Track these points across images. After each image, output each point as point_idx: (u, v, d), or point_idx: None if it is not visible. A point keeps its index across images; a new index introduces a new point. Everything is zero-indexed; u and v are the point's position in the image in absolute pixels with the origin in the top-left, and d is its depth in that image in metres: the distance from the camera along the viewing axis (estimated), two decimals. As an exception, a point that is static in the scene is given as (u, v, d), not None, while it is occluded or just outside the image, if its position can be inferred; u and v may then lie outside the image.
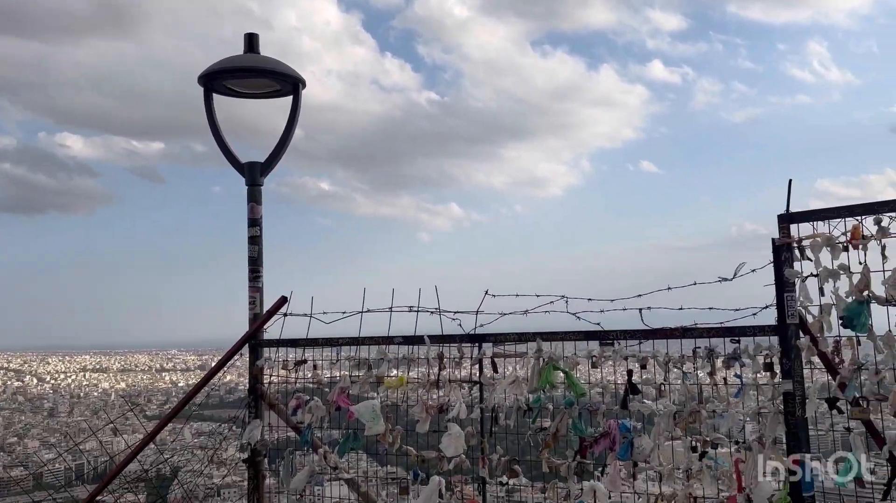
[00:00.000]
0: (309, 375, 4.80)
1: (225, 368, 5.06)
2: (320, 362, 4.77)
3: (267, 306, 5.03)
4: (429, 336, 4.39)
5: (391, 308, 4.57)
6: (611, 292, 4.08)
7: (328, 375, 4.77)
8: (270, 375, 4.91)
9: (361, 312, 4.65)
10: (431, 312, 4.48)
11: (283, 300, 4.93)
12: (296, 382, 4.84)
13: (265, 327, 5.01)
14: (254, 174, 5.13)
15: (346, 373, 4.63)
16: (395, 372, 4.53)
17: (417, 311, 4.51)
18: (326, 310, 4.76)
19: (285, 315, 4.93)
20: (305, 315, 4.80)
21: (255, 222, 5.11)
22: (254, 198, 5.13)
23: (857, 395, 3.27)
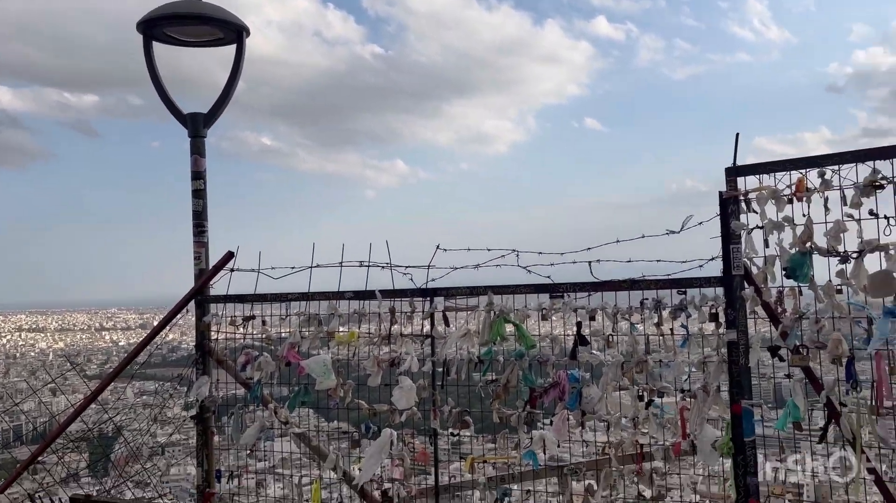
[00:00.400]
0: (257, 332, 4.75)
1: (170, 326, 4.95)
2: (269, 318, 4.71)
3: (213, 262, 4.93)
4: (380, 290, 4.36)
5: (341, 263, 4.53)
6: (559, 247, 4.11)
7: (277, 331, 4.71)
8: (218, 332, 4.83)
9: (311, 268, 4.59)
10: (382, 267, 4.45)
11: (229, 255, 4.83)
12: (244, 339, 4.78)
13: (211, 283, 4.92)
14: (197, 125, 4.97)
15: (296, 328, 4.58)
16: (345, 327, 4.51)
17: (368, 266, 4.47)
18: (274, 266, 4.69)
19: (232, 270, 4.84)
20: (253, 270, 4.72)
21: (198, 175, 4.97)
22: (197, 150, 4.98)
23: (798, 344, 3.38)
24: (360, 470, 4.34)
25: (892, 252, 3.05)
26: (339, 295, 4.51)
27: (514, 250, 4.16)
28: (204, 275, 4.89)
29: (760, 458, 3.58)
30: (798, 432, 3.43)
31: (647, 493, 3.87)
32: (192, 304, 4.91)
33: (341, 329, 4.49)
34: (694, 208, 3.78)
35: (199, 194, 4.96)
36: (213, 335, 4.85)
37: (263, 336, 4.69)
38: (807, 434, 3.48)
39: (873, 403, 3.17)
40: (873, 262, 3.10)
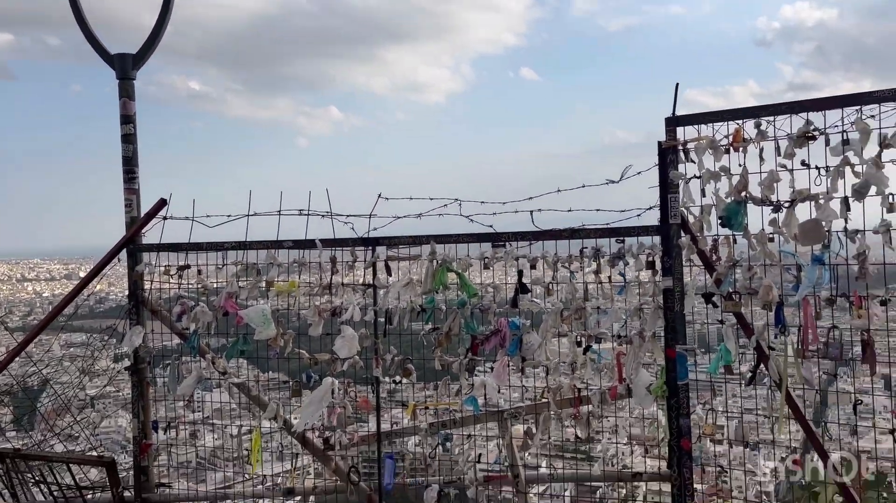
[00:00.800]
0: (193, 282, 4.64)
1: (100, 276, 4.80)
2: (205, 267, 4.60)
3: (144, 211, 4.77)
4: (321, 240, 4.31)
5: (280, 211, 4.44)
6: (500, 197, 4.12)
7: (214, 281, 4.62)
8: (151, 281, 4.70)
9: (248, 216, 4.49)
10: (322, 216, 4.39)
11: (162, 202, 4.68)
12: (179, 288, 4.66)
13: (143, 232, 4.76)
14: (125, 67, 4.74)
15: (233, 278, 4.50)
16: (285, 277, 4.45)
17: (308, 215, 4.40)
18: (210, 214, 4.57)
19: (165, 218, 4.69)
20: (187, 218, 4.58)
21: (128, 119, 4.77)
22: (126, 93, 4.76)
23: (731, 290, 3.50)
24: (296, 419, 4.34)
25: (821, 201, 3.16)
26: (277, 244, 4.44)
27: (456, 199, 4.17)
28: (136, 224, 4.73)
29: (693, 400, 3.73)
30: (729, 375, 3.58)
31: (583, 435, 3.99)
32: (123, 254, 4.75)
33: (280, 279, 4.43)
34: (627, 159, 3.88)
35: (128, 139, 4.77)
36: (147, 285, 4.71)
37: (200, 286, 4.59)
38: (737, 377, 3.63)
39: (799, 346, 3.31)
40: (804, 212, 3.22)
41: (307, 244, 4.36)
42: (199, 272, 4.60)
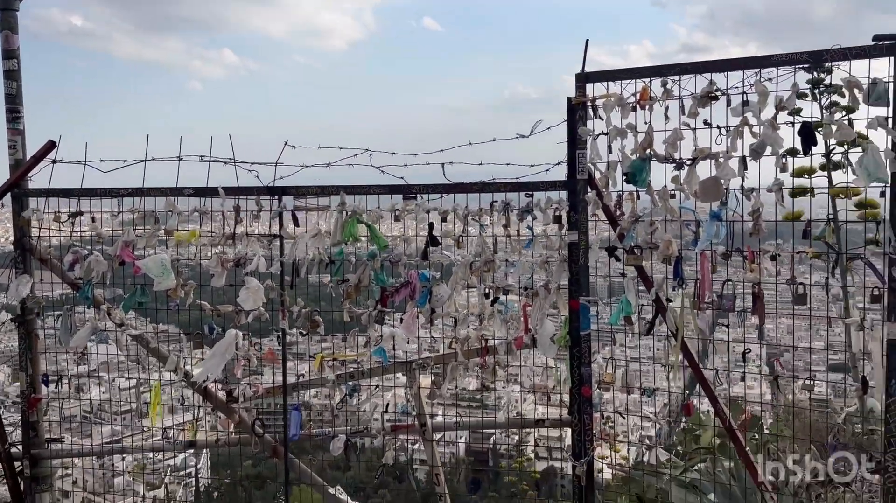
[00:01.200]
0: (86, 229, 4.40)
1: (-18, 221, 4.48)
2: (99, 215, 4.37)
3: (30, 153, 4.47)
4: (223, 188, 4.16)
5: (179, 157, 4.25)
6: (407, 149, 4.10)
7: (108, 230, 4.39)
8: (39, 228, 4.43)
9: (145, 161, 4.26)
10: (225, 162, 4.22)
11: (51, 144, 4.38)
12: (71, 237, 4.41)
13: (29, 175, 4.46)
14: (8, -4, 4.38)
15: (129, 227, 4.30)
16: (185, 226, 4.29)
17: (209, 161, 4.22)
18: (104, 159, 4.32)
19: (54, 162, 4.39)
20: (79, 163, 4.30)
21: (11, 53, 4.40)
22: (8, 25, 4.39)
23: (633, 244, 3.62)
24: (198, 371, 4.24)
25: (721, 160, 3.30)
26: (177, 191, 4.26)
27: (366, 149, 4.10)
28: (22, 166, 4.43)
29: (594, 349, 3.87)
30: (629, 326, 3.73)
31: (491, 385, 4.09)
32: (7, 199, 4.44)
33: (180, 228, 4.27)
34: (529, 114, 3.91)
35: (11, 75, 4.41)
36: (34, 232, 4.44)
37: (94, 234, 4.36)
38: (636, 328, 3.79)
39: (696, 299, 3.48)
40: (704, 170, 3.35)
41: (209, 192, 4.20)
42: (93, 219, 4.37)
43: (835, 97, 3.43)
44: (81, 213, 4.36)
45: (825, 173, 3.57)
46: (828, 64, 3.24)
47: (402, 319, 4.03)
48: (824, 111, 3.51)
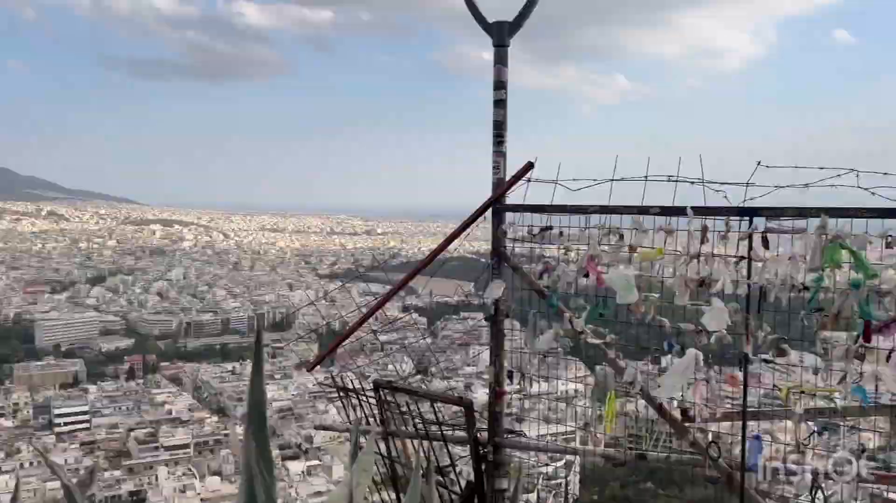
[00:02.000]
0: (553, 244, 4.79)
1: (468, 231, 5.15)
2: (567, 230, 4.73)
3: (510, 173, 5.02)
4: (692, 207, 4.21)
5: (646, 177, 4.41)
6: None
7: (575, 244, 4.73)
8: (514, 240, 4.94)
9: (612, 180, 4.51)
10: (693, 183, 4.28)
11: (529, 165, 4.88)
12: (540, 248, 4.85)
13: (509, 191, 5.01)
14: (501, 34, 4.98)
15: (594, 241, 4.57)
16: (648, 243, 4.42)
17: (676, 181, 4.31)
18: (576, 178, 4.66)
19: (529, 181, 4.90)
20: (552, 181, 4.72)
21: (501, 85, 5.01)
22: (500, 59, 5.00)
23: None
24: (659, 386, 4.32)
25: None
26: (643, 209, 4.42)
27: (852, 169, 3.82)
28: (501, 186, 4.99)
29: None
30: None
31: None
32: (489, 213, 5.04)
33: (645, 245, 4.41)
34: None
35: (500, 104, 5.02)
36: (508, 243, 4.97)
37: (562, 247, 4.73)
38: None
39: None
40: None
41: (676, 211, 4.29)
42: (561, 234, 4.74)
43: None
44: (551, 228, 4.76)
45: None
46: None
47: (888, 358, 3.66)
48: None
